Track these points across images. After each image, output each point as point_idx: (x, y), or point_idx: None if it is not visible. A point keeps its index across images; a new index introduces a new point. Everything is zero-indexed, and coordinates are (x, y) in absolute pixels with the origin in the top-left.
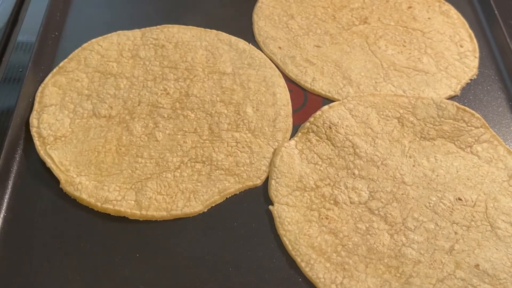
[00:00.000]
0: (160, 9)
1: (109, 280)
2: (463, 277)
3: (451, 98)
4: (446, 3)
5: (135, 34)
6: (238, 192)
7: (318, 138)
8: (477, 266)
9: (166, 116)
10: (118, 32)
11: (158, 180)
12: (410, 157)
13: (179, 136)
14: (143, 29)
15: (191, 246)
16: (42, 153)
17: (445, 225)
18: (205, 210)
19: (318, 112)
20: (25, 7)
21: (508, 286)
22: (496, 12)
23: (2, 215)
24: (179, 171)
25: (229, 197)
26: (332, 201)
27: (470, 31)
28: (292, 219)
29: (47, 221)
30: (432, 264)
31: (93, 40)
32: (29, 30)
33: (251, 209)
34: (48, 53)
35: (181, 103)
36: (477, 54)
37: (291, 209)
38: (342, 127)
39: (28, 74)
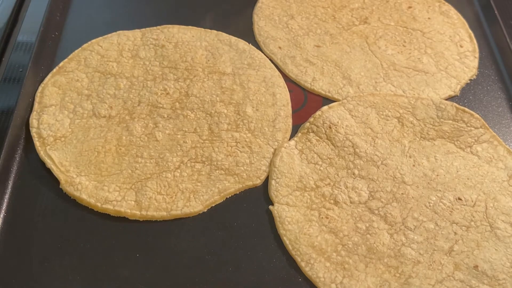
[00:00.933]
0: (160, 9)
1: (109, 280)
2: (462, 279)
3: (451, 98)
4: (446, 3)
5: (135, 34)
6: (238, 192)
7: (318, 138)
8: (476, 267)
9: (166, 116)
10: (118, 32)
11: (158, 180)
12: (410, 157)
13: (179, 136)
14: (143, 29)
15: (191, 246)
16: (42, 153)
17: (444, 225)
18: (205, 210)
19: (318, 112)
20: (25, 7)
21: (507, 286)
22: (496, 12)
23: (2, 215)
24: (179, 171)
25: (229, 197)
26: (332, 201)
27: (470, 31)
28: (292, 218)
29: (47, 221)
30: (431, 264)
31: (93, 40)
32: (29, 30)
33: (251, 209)
34: (48, 53)
35: (181, 103)
36: (477, 54)
37: (291, 209)
38: (342, 127)
39: (28, 74)
